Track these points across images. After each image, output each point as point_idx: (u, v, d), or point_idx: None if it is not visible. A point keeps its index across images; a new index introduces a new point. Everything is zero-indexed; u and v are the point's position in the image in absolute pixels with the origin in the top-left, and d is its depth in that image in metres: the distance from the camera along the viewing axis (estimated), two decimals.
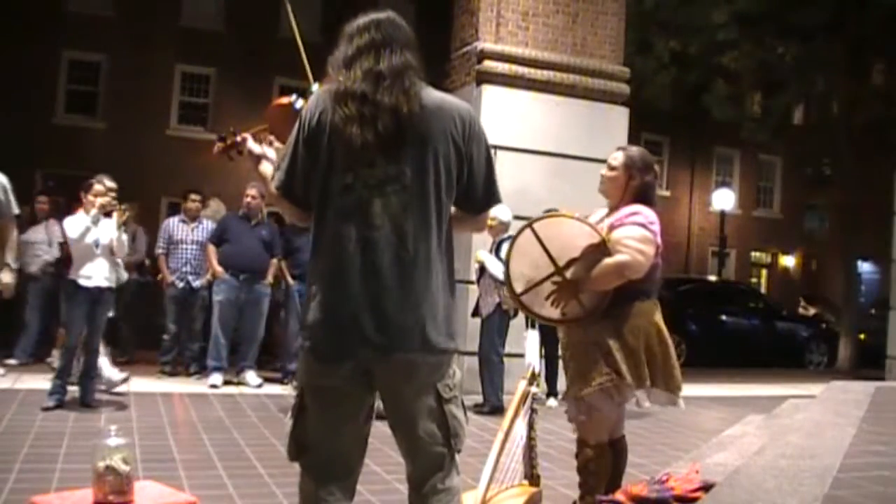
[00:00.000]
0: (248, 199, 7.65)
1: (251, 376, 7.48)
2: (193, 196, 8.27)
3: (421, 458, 2.11)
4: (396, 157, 2.02)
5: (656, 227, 3.13)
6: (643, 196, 3.21)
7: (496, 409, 6.31)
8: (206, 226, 8.11)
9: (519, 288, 3.18)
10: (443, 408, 2.08)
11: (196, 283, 7.99)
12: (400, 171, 2.02)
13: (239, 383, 7.39)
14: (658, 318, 3.18)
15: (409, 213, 2.02)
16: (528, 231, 3.14)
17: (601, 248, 3.07)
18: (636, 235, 3.08)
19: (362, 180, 2.03)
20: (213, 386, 7.18)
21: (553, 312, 3.17)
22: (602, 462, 3.28)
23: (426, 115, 2.04)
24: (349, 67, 2.08)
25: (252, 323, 7.59)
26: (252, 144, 2.77)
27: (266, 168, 2.45)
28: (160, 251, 8.03)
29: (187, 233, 8.04)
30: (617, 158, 3.26)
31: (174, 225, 8.10)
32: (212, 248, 7.62)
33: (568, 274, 3.11)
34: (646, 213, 3.14)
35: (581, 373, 3.15)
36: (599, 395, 3.13)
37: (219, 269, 7.46)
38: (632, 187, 3.21)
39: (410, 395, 2.07)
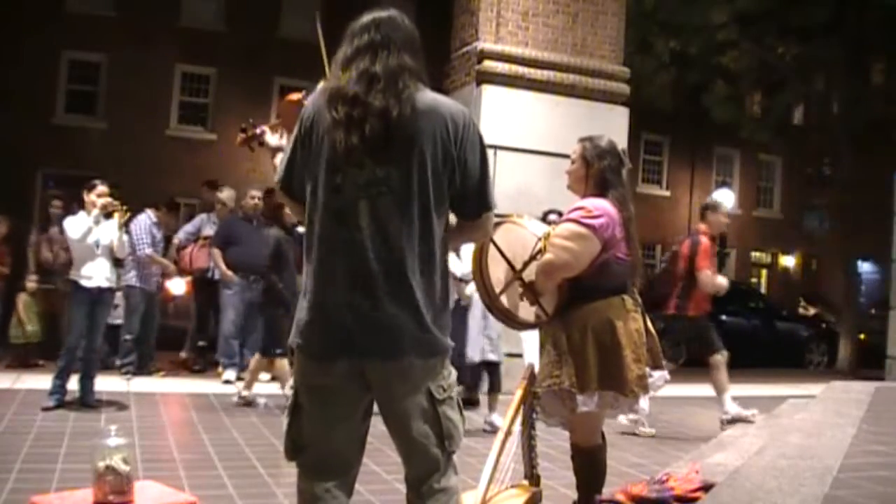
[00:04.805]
0: (254, 201, 7.77)
1: None
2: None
3: (416, 459, 2.11)
4: (385, 160, 2.00)
5: (600, 220, 3.04)
6: (603, 183, 3.17)
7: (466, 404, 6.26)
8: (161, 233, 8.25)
9: (496, 293, 3.24)
10: (436, 409, 2.07)
11: (165, 285, 8.18)
12: (387, 173, 2.00)
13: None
14: (616, 314, 3.07)
15: (394, 216, 2.00)
16: (490, 245, 3.16)
17: (542, 250, 3.08)
18: (562, 232, 3.06)
19: (350, 181, 2.02)
20: (228, 382, 7.30)
21: (530, 315, 3.19)
22: (596, 462, 3.27)
23: (417, 118, 2.01)
24: (346, 68, 2.07)
25: (259, 319, 7.69)
26: (269, 137, 2.88)
27: (279, 160, 2.46)
28: (150, 250, 7.89)
29: (161, 235, 8.14)
30: (575, 151, 3.28)
31: (153, 225, 8.03)
32: (218, 253, 7.64)
33: (525, 277, 3.12)
34: (589, 206, 3.09)
35: (539, 372, 3.17)
36: (549, 397, 3.13)
37: (229, 272, 7.51)
38: (591, 176, 3.20)
39: (403, 396, 2.06)
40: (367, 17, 2.12)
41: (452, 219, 2.19)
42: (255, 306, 7.56)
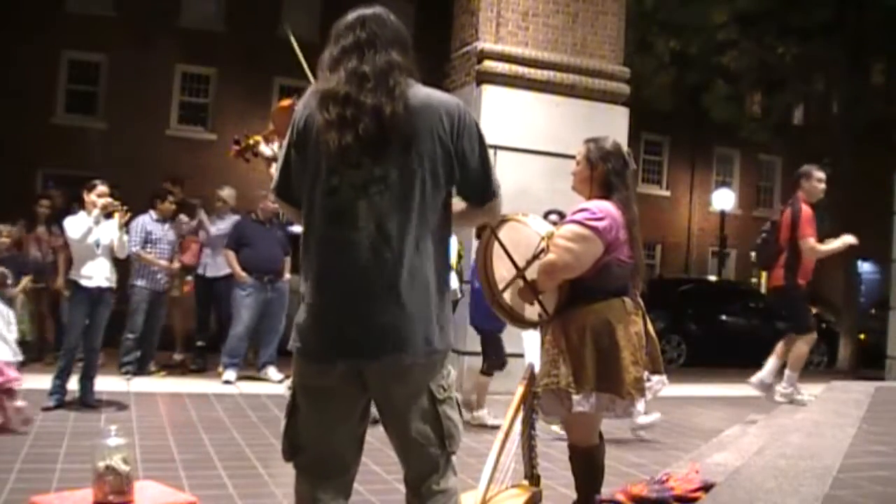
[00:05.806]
0: (275, 205, 7.75)
1: (273, 372, 7.64)
2: (172, 198, 8.24)
3: (415, 459, 2.10)
4: (382, 158, 2.00)
5: (604, 223, 3.04)
6: (606, 185, 3.17)
7: None
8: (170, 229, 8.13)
9: (500, 290, 3.25)
10: (436, 409, 2.06)
11: (166, 284, 8.06)
12: (385, 171, 1.99)
13: (261, 379, 7.52)
14: (615, 316, 3.06)
15: (393, 214, 1.99)
16: (492, 238, 3.17)
17: (545, 249, 3.08)
18: (565, 233, 3.06)
19: (348, 182, 2.01)
20: (228, 382, 7.28)
21: (532, 314, 3.19)
22: (594, 462, 3.27)
23: (411, 114, 2.00)
24: (335, 68, 2.06)
25: (275, 319, 7.79)
26: (263, 147, 2.87)
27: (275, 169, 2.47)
28: (136, 248, 7.62)
29: (164, 232, 7.97)
30: (579, 153, 3.28)
31: (151, 223, 7.90)
32: (232, 255, 7.66)
33: (528, 276, 3.13)
34: (593, 208, 3.09)
35: (539, 371, 3.19)
36: (547, 396, 3.13)
37: (243, 274, 7.55)
38: (595, 178, 3.20)
39: (403, 396, 2.05)
40: (351, 16, 2.11)
41: (460, 204, 2.19)
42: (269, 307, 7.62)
